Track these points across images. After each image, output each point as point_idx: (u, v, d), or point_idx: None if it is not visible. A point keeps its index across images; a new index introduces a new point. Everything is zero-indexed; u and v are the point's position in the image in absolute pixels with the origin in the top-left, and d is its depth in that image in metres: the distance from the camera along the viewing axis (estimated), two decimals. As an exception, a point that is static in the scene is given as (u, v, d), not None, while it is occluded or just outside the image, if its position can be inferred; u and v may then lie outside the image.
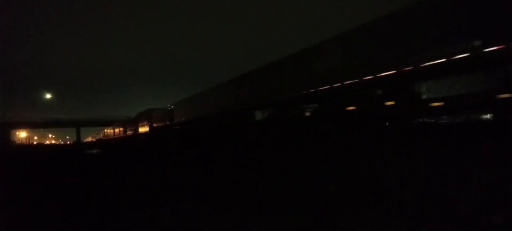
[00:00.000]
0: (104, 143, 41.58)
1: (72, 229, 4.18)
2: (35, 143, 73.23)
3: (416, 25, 9.85)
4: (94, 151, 19.84)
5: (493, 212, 3.71)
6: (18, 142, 63.23)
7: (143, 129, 40.86)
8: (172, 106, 30.35)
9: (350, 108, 13.04)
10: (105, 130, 72.19)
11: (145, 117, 40.48)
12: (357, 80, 11.81)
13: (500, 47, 7.79)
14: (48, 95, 59.35)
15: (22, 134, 73.18)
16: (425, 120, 11.92)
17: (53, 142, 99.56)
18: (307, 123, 14.88)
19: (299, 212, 4.23)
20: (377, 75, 10.97)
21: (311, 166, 7.33)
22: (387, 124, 12.18)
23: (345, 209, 4.22)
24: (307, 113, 15.38)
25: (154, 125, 36.62)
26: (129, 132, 48.74)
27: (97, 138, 79.43)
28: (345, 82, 12.32)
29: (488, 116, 10.38)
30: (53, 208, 4.98)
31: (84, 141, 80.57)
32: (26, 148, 38.23)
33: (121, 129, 56.14)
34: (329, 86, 13.20)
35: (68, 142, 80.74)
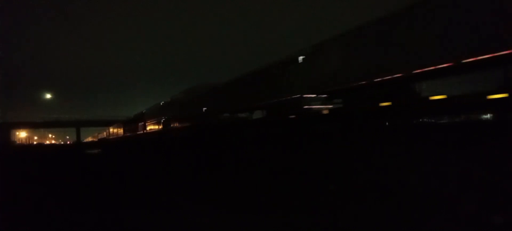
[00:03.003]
0: (108, 144, 36.11)
1: (72, 229, 4.18)
2: (35, 143, 73.27)
3: (415, 26, 9.84)
4: (95, 151, 19.84)
5: (493, 212, 3.71)
6: (18, 142, 63.21)
7: (177, 124, 26.54)
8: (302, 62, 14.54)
9: (351, 108, 13.03)
10: (111, 129, 58.96)
11: (185, 100, 25.19)
12: (358, 81, 11.81)
13: (500, 48, 7.80)
14: (48, 95, 59.30)
15: (22, 134, 73.17)
16: (425, 119, 11.93)
17: (53, 142, 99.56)
18: (307, 123, 14.86)
19: (299, 212, 4.23)
20: (378, 76, 10.97)
21: (311, 166, 7.33)
22: (387, 124, 12.18)
23: (345, 209, 4.22)
24: (309, 114, 15.34)
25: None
26: (150, 128, 34.73)
27: (100, 137, 76.54)
28: (346, 84, 12.33)
29: (488, 115, 10.38)
30: (53, 208, 4.98)
31: (84, 141, 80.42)
32: (26, 148, 38.21)
33: (133, 126, 41.23)
34: (330, 88, 13.19)
35: (68, 142, 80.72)
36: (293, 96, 14.77)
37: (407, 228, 3.58)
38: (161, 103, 32.38)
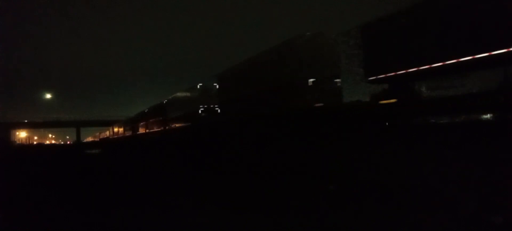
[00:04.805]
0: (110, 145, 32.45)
1: (72, 229, 4.18)
2: (35, 143, 73.26)
3: (416, 26, 9.83)
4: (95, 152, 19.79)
5: (493, 212, 3.71)
6: (18, 142, 63.20)
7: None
8: None
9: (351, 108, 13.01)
10: (115, 128, 52.86)
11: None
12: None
13: (501, 49, 7.80)
14: (48, 95, 59.32)
15: (22, 134, 73.16)
16: (425, 119, 11.93)
17: (53, 141, 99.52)
18: (307, 123, 14.84)
19: (299, 212, 4.22)
20: (378, 75, 10.95)
21: (311, 166, 7.32)
22: (387, 123, 12.17)
23: (345, 209, 4.22)
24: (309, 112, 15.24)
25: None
26: (174, 126, 25.12)
27: (101, 137, 75.39)
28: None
29: (488, 115, 10.39)
30: (53, 208, 4.97)
31: (84, 141, 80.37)
32: (26, 148, 38.21)
33: (145, 123, 32.04)
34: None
35: (68, 142, 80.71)
36: None
37: (407, 228, 3.57)
38: (199, 86, 21.87)
